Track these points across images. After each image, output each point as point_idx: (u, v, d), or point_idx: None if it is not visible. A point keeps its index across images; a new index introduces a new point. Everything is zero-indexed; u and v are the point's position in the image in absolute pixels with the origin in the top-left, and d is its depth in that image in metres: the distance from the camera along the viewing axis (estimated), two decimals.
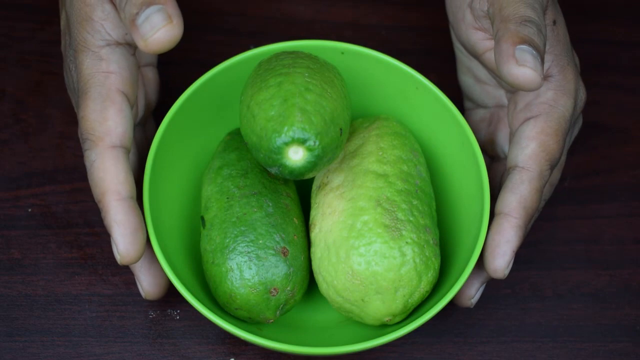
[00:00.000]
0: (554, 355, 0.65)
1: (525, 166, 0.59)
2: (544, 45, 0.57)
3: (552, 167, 0.59)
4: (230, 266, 0.58)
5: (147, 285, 0.60)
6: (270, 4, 0.76)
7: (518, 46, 0.56)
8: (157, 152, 0.60)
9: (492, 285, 0.66)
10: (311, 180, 0.64)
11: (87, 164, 0.58)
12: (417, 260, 0.58)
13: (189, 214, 0.63)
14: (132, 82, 0.59)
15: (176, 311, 0.64)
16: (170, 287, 0.64)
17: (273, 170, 0.57)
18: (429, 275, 0.58)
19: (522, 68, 0.55)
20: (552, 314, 0.66)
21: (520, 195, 0.59)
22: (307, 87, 0.57)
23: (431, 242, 0.59)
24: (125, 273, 0.65)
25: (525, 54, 0.55)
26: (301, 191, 0.65)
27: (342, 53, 0.64)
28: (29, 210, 0.67)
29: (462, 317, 0.65)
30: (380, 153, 0.61)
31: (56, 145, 0.69)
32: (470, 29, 0.62)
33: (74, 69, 0.59)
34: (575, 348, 0.65)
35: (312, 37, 0.75)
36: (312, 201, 0.62)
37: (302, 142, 0.55)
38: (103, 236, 0.66)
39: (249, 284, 0.58)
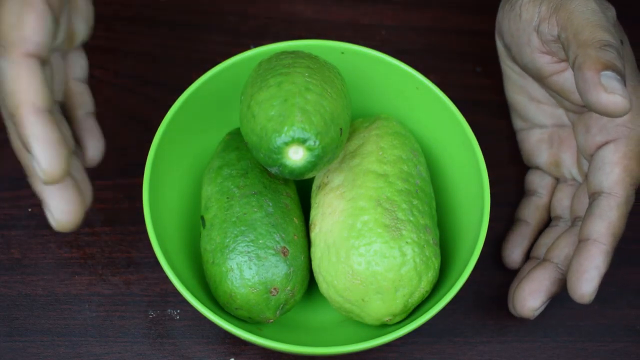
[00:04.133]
0: (554, 355, 0.65)
1: (612, 192, 0.59)
2: (624, 68, 0.56)
3: (635, 190, 0.60)
4: (230, 266, 0.58)
5: (59, 212, 0.54)
6: (270, 4, 0.76)
7: (603, 72, 0.55)
8: (157, 152, 0.60)
9: (492, 285, 0.66)
10: (311, 180, 0.64)
11: None
12: (417, 260, 0.58)
13: (189, 214, 0.63)
14: None
15: (176, 311, 0.64)
16: (170, 287, 0.64)
17: (273, 170, 0.57)
18: (429, 275, 0.58)
19: (612, 96, 0.55)
20: (552, 314, 0.66)
21: (609, 222, 0.59)
22: (307, 87, 0.57)
23: (431, 242, 0.59)
24: (126, 273, 0.65)
25: (612, 80, 0.55)
26: (301, 191, 0.65)
27: (342, 53, 0.64)
28: (29, 210, 0.67)
29: (462, 317, 0.65)
30: (381, 153, 0.61)
31: None
32: (536, 52, 0.61)
33: None
34: (575, 348, 0.65)
35: (312, 37, 0.75)
36: (312, 201, 0.62)
37: (302, 142, 0.55)
38: (103, 236, 0.66)
39: (249, 283, 0.58)
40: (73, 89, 0.60)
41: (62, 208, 0.54)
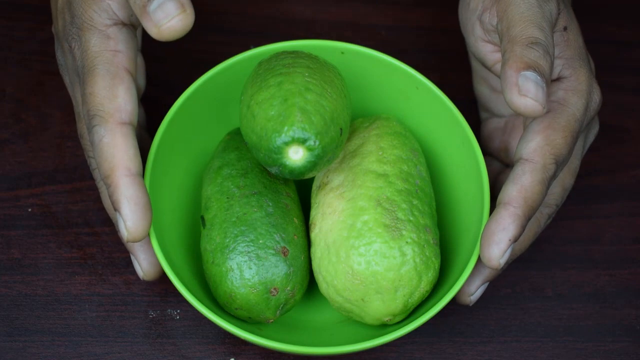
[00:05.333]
0: (554, 355, 0.65)
1: (528, 158, 0.59)
2: (551, 66, 0.57)
3: (558, 163, 0.59)
4: (230, 266, 0.58)
5: (147, 264, 0.60)
6: (270, 4, 0.76)
7: (522, 72, 0.56)
8: (157, 152, 0.60)
9: (492, 285, 0.66)
10: (311, 180, 0.64)
11: (96, 139, 0.57)
12: (417, 260, 0.58)
13: (189, 214, 0.63)
14: (135, 62, 0.59)
15: (176, 311, 0.64)
16: (170, 287, 0.64)
17: (273, 170, 0.57)
18: (429, 275, 0.58)
19: (523, 98, 0.55)
20: (552, 314, 0.66)
21: (521, 185, 0.58)
22: (307, 86, 0.57)
23: (431, 241, 0.59)
24: (126, 273, 0.65)
25: (529, 82, 0.56)
26: (301, 191, 0.65)
27: (342, 53, 0.64)
28: (29, 210, 0.67)
29: (462, 317, 0.65)
30: (380, 153, 0.61)
31: (56, 145, 0.69)
32: (480, 41, 0.62)
33: (77, 47, 0.59)
34: (575, 348, 0.65)
35: (312, 37, 0.75)
36: (312, 201, 0.62)
37: (302, 141, 0.55)
38: (103, 236, 0.66)
39: (249, 283, 0.58)
40: (140, 135, 0.65)
41: (149, 260, 0.60)
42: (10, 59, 0.72)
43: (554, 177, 0.59)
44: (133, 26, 0.59)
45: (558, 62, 0.60)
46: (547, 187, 0.59)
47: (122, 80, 0.58)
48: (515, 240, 0.57)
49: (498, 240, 0.57)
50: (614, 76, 0.75)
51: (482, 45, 0.62)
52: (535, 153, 0.58)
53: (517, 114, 0.57)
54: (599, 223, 0.69)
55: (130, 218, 0.56)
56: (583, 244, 0.68)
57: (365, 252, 0.57)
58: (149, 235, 0.58)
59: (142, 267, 0.60)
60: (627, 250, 0.68)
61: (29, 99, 0.70)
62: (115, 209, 0.57)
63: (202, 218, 0.60)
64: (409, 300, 0.58)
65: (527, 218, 0.58)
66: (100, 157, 0.57)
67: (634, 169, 0.72)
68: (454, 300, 0.61)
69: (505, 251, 0.57)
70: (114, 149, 0.57)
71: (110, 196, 0.57)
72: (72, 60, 0.60)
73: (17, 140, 0.69)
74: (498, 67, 0.62)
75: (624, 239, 0.69)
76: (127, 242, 0.57)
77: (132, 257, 0.61)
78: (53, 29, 0.63)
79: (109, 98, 0.57)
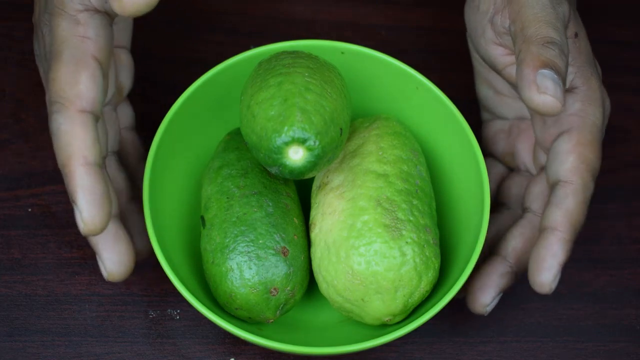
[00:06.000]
0: (554, 355, 0.65)
1: (568, 180, 0.59)
2: (566, 66, 0.57)
3: (594, 178, 0.59)
4: (230, 266, 0.58)
5: (110, 264, 0.57)
6: (270, 4, 0.76)
7: (540, 71, 0.55)
8: (157, 152, 0.60)
9: None
10: (311, 180, 0.64)
11: (54, 127, 0.55)
12: (417, 260, 0.58)
13: (189, 214, 0.63)
14: (107, 52, 0.57)
15: (176, 311, 0.64)
16: (171, 287, 0.64)
17: (273, 170, 0.57)
18: (429, 275, 0.58)
19: (543, 96, 0.55)
20: (552, 314, 0.66)
21: (566, 209, 0.59)
22: (307, 87, 0.57)
23: (431, 242, 0.59)
24: None
25: (547, 80, 0.55)
26: (301, 191, 0.65)
27: (342, 53, 0.64)
28: (29, 210, 0.67)
29: (462, 317, 0.65)
30: (380, 153, 0.61)
31: None
32: (491, 44, 0.62)
33: (47, 32, 0.57)
34: (575, 348, 0.65)
35: (312, 37, 0.75)
36: (312, 201, 0.62)
37: (302, 141, 0.55)
38: None
39: (249, 283, 0.58)
40: (124, 137, 0.64)
41: (114, 259, 0.57)
42: (10, 59, 0.72)
43: (591, 193, 0.59)
44: (108, 15, 0.57)
45: (570, 70, 0.60)
46: (588, 205, 0.59)
47: (87, 66, 0.55)
48: (564, 264, 0.59)
49: (549, 267, 0.58)
50: (614, 76, 0.75)
51: (493, 49, 0.62)
52: (573, 174, 0.59)
53: (535, 113, 0.56)
54: (599, 223, 0.69)
55: (86, 209, 0.54)
56: (583, 244, 0.68)
57: (365, 252, 0.57)
58: (122, 236, 0.57)
59: (106, 266, 0.57)
60: (627, 250, 0.68)
61: (29, 99, 0.70)
62: (71, 200, 0.55)
63: (202, 218, 0.60)
64: (409, 300, 0.58)
65: (574, 240, 0.59)
66: (57, 146, 0.55)
67: (634, 169, 0.72)
68: (454, 300, 0.61)
69: (557, 276, 0.58)
70: (70, 137, 0.54)
71: (67, 186, 0.55)
72: (44, 46, 0.58)
73: (17, 140, 0.69)
74: (508, 70, 0.61)
75: (624, 239, 0.69)
76: (85, 235, 0.55)
77: (97, 256, 0.58)
78: (33, 19, 0.61)
79: (71, 84, 0.55)
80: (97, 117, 0.56)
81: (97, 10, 0.57)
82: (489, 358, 0.64)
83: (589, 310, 0.66)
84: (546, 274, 0.58)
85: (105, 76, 0.57)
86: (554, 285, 0.58)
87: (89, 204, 0.54)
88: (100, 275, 0.65)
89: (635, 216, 0.70)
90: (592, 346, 0.65)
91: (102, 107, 0.57)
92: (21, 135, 0.69)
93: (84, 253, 0.66)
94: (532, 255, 0.59)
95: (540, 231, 0.59)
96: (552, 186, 0.60)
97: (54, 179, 0.68)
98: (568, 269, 0.67)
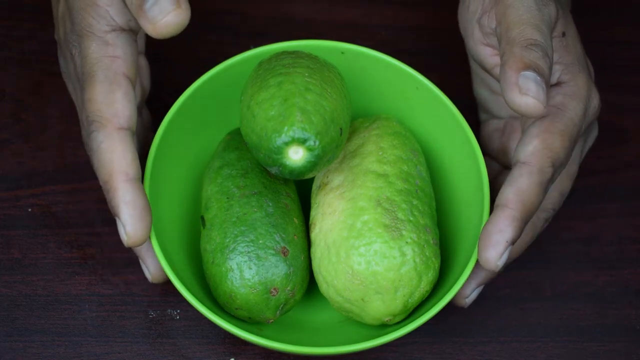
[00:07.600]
0: (554, 355, 0.65)
1: (526, 161, 0.59)
2: (550, 68, 0.57)
3: (555, 166, 0.59)
4: (230, 266, 0.58)
5: (154, 268, 0.61)
6: (270, 4, 0.76)
7: (522, 72, 0.56)
8: (157, 152, 0.60)
9: (492, 285, 0.66)
10: (311, 180, 0.64)
11: (94, 145, 0.58)
12: (417, 260, 0.58)
13: (189, 214, 0.63)
14: (135, 68, 0.59)
15: (176, 311, 0.64)
16: (170, 287, 0.64)
17: (273, 170, 0.57)
18: (429, 275, 0.58)
19: (525, 97, 0.56)
20: (552, 314, 0.66)
21: (518, 187, 0.58)
22: (307, 87, 0.57)
23: (431, 242, 0.59)
24: (125, 273, 0.65)
25: (529, 81, 0.56)
26: (301, 191, 0.65)
27: (342, 53, 0.64)
28: (29, 210, 0.67)
29: (462, 317, 0.65)
30: (380, 153, 0.61)
31: (56, 145, 0.69)
32: (479, 44, 0.62)
33: (77, 54, 0.59)
34: (575, 348, 0.65)
35: (312, 37, 0.74)
36: (312, 201, 0.62)
37: (302, 142, 0.55)
38: (103, 236, 0.66)
39: (249, 283, 0.58)
40: (148, 138, 0.66)
41: (156, 264, 0.61)
42: (10, 59, 0.72)
43: (551, 180, 0.59)
44: (132, 31, 0.60)
45: (557, 68, 0.60)
46: (545, 191, 0.59)
47: (120, 85, 0.58)
48: (513, 242, 0.57)
49: (495, 243, 0.57)
50: (614, 76, 0.75)
51: (482, 49, 0.62)
52: (533, 156, 0.58)
53: (518, 114, 0.57)
54: (599, 223, 0.69)
55: (129, 223, 0.57)
56: (583, 244, 0.68)
57: (365, 252, 0.57)
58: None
59: (150, 270, 0.61)
60: (627, 250, 0.68)
61: (29, 99, 0.70)
62: (115, 214, 0.57)
63: (202, 218, 0.60)
64: (409, 300, 0.58)
65: (525, 221, 0.58)
66: (98, 163, 0.58)
67: (633, 169, 0.72)
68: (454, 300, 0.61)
69: (503, 253, 0.57)
70: (112, 154, 0.57)
71: (109, 202, 0.57)
72: (74, 67, 0.60)
73: (17, 140, 0.69)
74: (497, 70, 0.62)
75: (624, 239, 0.69)
76: (128, 246, 0.57)
77: (140, 261, 0.61)
78: (55, 36, 0.63)
79: (107, 104, 0.57)
80: (133, 133, 0.58)
81: (122, 29, 0.59)
82: (489, 358, 0.64)
83: (589, 310, 0.66)
84: (492, 251, 0.57)
85: (134, 91, 0.59)
86: (500, 263, 0.57)
87: (132, 217, 0.57)
88: (101, 275, 0.65)
89: (635, 216, 0.70)
90: (592, 346, 0.65)
91: (136, 121, 0.59)
92: (21, 135, 0.69)
93: (84, 253, 0.66)
94: (482, 231, 0.58)
95: (493, 209, 0.59)
96: (512, 167, 0.60)
97: (54, 179, 0.68)
98: (568, 269, 0.67)
